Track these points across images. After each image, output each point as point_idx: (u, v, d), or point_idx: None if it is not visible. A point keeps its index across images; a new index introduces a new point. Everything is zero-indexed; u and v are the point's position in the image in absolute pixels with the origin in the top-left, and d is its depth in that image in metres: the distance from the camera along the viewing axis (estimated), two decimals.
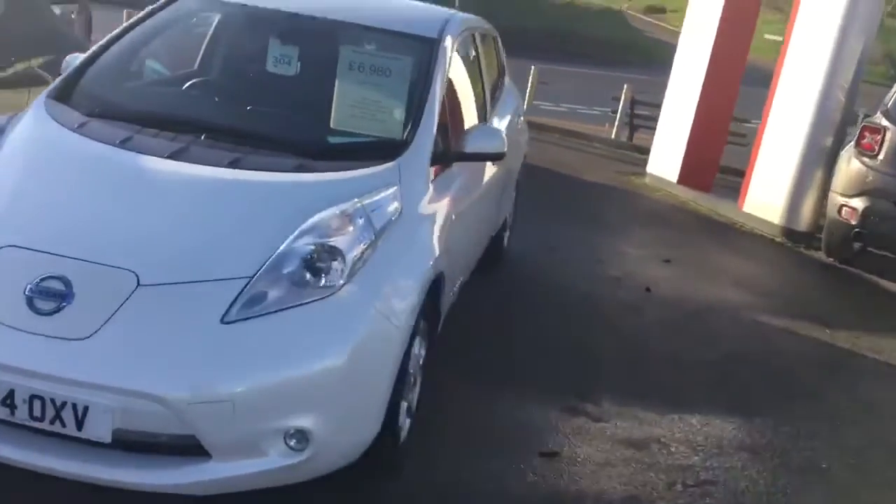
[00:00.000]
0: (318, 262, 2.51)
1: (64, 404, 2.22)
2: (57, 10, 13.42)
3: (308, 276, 2.48)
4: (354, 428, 2.56)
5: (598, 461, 3.31)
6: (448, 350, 3.66)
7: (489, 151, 3.48)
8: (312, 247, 2.52)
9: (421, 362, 3.10)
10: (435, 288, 3.03)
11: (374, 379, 2.56)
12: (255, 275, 2.42)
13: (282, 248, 2.49)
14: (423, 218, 3.02)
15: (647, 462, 3.37)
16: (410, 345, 2.74)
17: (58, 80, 3.35)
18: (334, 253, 2.53)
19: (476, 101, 4.20)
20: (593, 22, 27.67)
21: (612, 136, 11.85)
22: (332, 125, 3.22)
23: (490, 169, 4.14)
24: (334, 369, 2.41)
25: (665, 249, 6.62)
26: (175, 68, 3.71)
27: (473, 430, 3.40)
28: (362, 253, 2.60)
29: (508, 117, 4.87)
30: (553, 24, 25.28)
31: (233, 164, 2.82)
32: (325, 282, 2.49)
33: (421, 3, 4.27)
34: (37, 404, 2.23)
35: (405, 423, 2.97)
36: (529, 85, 12.45)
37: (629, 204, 8.41)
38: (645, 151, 9.92)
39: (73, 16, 13.35)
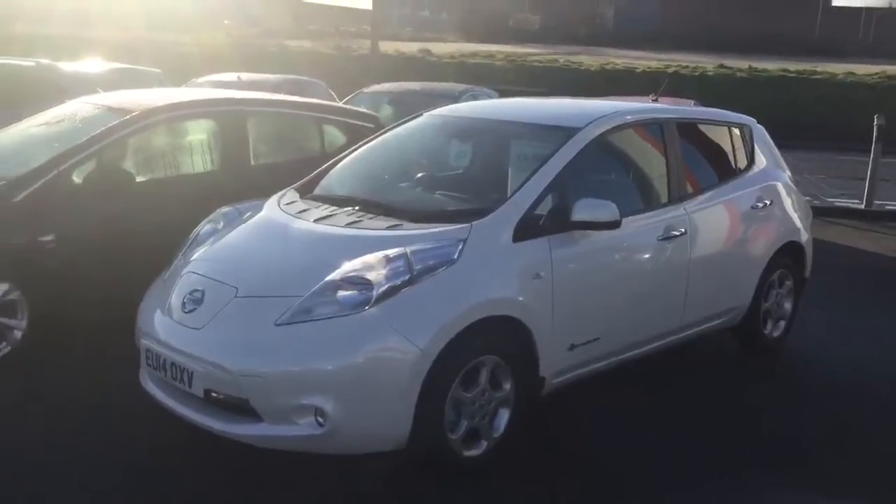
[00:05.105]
0: (352, 289, 3.39)
1: (184, 369, 3.46)
2: None
3: (341, 298, 3.37)
4: (372, 420, 3.31)
5: None
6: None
7: (596, 220, 3.88)
8: (350, 278, 3.42)
9: (502, 395, 3.66)
10: (506, 330, 3.63)
11: (389, 384, 3.29)
12: (306, 294, 3.40)
13: (328, 277, 3.43)
14: (487, 269, 3.62)
15: None
16: (467, 372, 3.47)
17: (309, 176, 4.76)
18: (367, 284, 3.39)
19: (644, 182, 4.58)
20: None
21: None
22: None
23: (671, 248, 4.42)
24: (345, 367, 3.25)
25: None
26: (381, 165, 4.84)
27: None
28: (397, 287, 3.39)
29: (723, 201, 4.91)
30: None
31: (348, 225, 3.85)
32: (355, 304, 3.35)
33: (598, 102, 4.83)
34: (174, 369, 3.51)
35: (481, 444, 3.60)
36: None
37: None
38: None
39: None
